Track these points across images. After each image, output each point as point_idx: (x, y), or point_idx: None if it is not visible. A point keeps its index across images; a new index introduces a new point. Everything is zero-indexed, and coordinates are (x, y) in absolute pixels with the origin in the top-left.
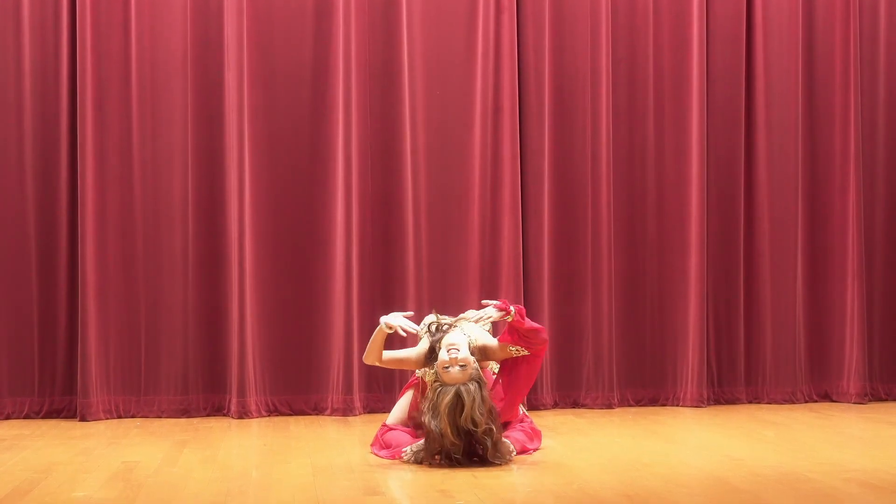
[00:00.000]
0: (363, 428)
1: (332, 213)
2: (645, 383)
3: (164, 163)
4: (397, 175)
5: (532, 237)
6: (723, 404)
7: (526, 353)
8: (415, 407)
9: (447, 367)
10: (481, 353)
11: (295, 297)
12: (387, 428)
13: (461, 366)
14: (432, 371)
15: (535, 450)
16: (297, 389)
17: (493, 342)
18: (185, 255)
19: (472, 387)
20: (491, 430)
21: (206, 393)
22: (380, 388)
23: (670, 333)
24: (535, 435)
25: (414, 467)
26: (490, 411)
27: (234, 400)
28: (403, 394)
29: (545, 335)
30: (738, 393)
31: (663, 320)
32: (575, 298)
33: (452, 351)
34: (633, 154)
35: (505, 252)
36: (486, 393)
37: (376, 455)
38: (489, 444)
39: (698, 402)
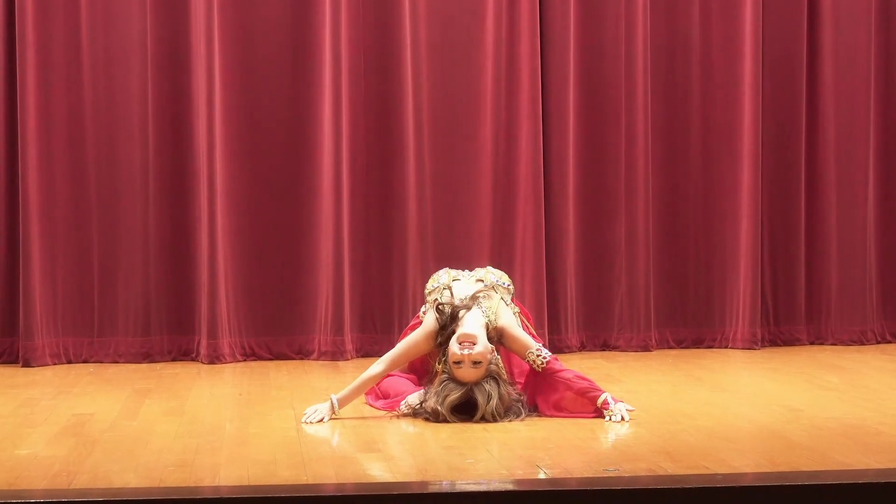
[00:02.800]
0: (356, 374)
1: (319, 119)
2: (687, 321)
3: (118, 58)
4: (395, 75)
5: (555, 146)
6: (779, 345)
7: (544, 364)
8: (417, 352)
9: (458, 363)
10: (499, 336)
11: (275, 221)
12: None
13: (475, 363)
14: (444, 358)
15: None
16: (277, 329)
17: (517, 333)
18: (145, 169)
19: (489, 386)
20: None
21: (170, 334)
22: (375, 328)
23: (718, 261)
24: None
25: (415, 420)
26: (515, 404)
27: (203, 342)
28: (405, 335)
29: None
30: (798, 332)
31: (710, 246)
32: (605, 220)
33: (466, 345)
34: (675, 45)
35: (522, 164)
36: (506, 389)
37: (371, 406)
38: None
39: (750, 344)
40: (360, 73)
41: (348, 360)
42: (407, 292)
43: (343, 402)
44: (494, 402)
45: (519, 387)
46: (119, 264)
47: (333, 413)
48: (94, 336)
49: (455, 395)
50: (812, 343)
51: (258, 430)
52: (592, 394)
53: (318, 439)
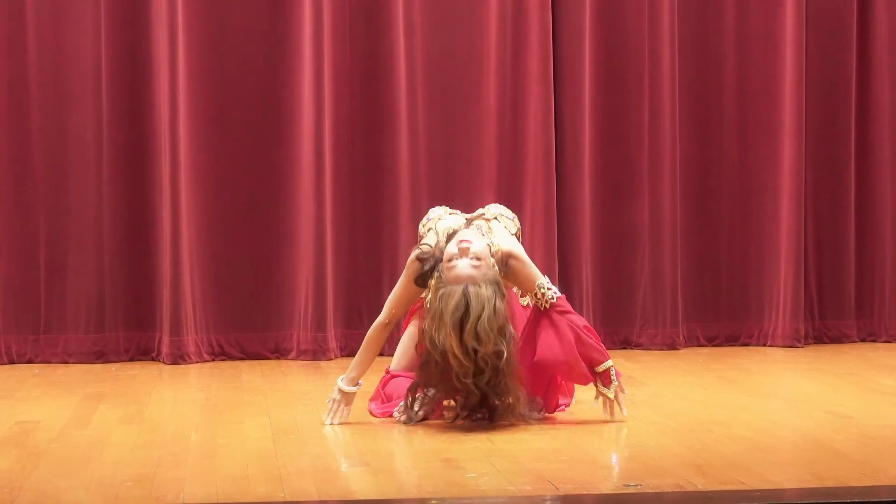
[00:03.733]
0: (340, 375)
1: (298, 82)
2: (720, 315)
3: (67, 14)
4: (385, 30)
5: (568, 115)
6: (826, 343)
7: (553, 300)
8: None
9: (453, 262)
10: (505, 262)
11: (248, 200)
12: (390, 375)
13: (474, 260)
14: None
15: (566, 406)
16: (250, 325)
17: (525, 259)
18: (98, 141)
19: (486, 290)
20: (500, 353)
21: (128, 330)
22: (362, 323)
23: (755, 248)
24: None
25: (410, 428)
26: (503, 330)
27: (165, 339)
28: (406, 327)
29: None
30: (847, 328)
31: (746, 230)
32: (626, 200)
33: (464, 243)
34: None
35: (531, 135)
36: (501, 304)
37: (373, 414)
38: (498, 380)
39: (793, 341)
40: (344, 28)
41: (331, 359)
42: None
43: (355, 378)
44: (489, 311)
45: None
46: (68, 251)
47: (353, 397)
48: (40, 333)
49: (453, 299)
50: (863, 340)
51: (228, 440)
52: (595, 354)
53: (297, 450)
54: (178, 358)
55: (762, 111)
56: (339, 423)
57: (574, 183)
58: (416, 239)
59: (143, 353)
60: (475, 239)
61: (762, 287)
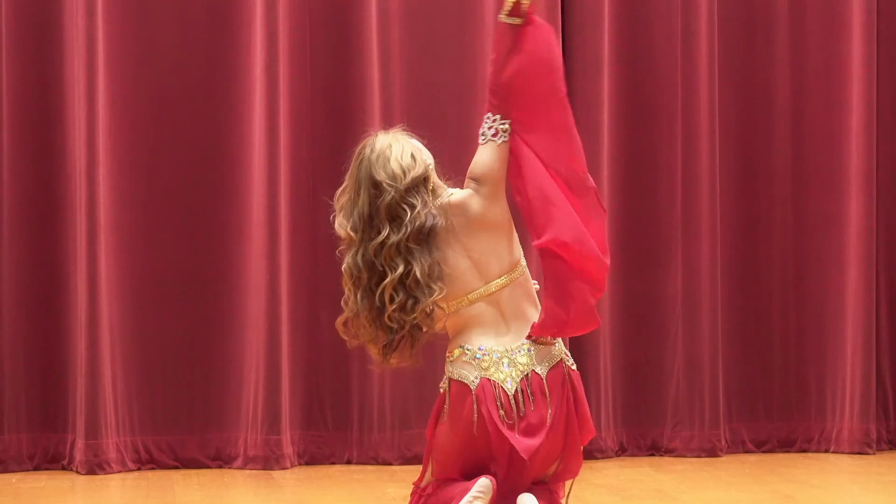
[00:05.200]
0: (298, 489)
1: (246, 118)
2: (772, 415)
3: None
4: (355, 58)
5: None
6: None
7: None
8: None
9: None
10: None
11: (183, 267)
12: (435, 485)
13: None
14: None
15: None
16: (186, 425)
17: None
18: None
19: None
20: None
21: (33, 431)
22: (325, 424)
23: (815, 329)
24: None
25: None
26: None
27: (79, 443)
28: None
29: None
30: None
31: (803, 306)
32: (654, 267)
33: None
34: (754, 16)
35: None
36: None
37: None
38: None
39: (862, 446)
40: (304, 53)
41: (287, 468)
42: (372, 366)
43: None
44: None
45: None
46: None
47: None
48: None
49: None
50: None
51: None
52: None
53: None
54: (96, 466)
55: (823, 157)
56: None
57: None
58: None
59: (52, 460)
60: None
61: (824, 378)
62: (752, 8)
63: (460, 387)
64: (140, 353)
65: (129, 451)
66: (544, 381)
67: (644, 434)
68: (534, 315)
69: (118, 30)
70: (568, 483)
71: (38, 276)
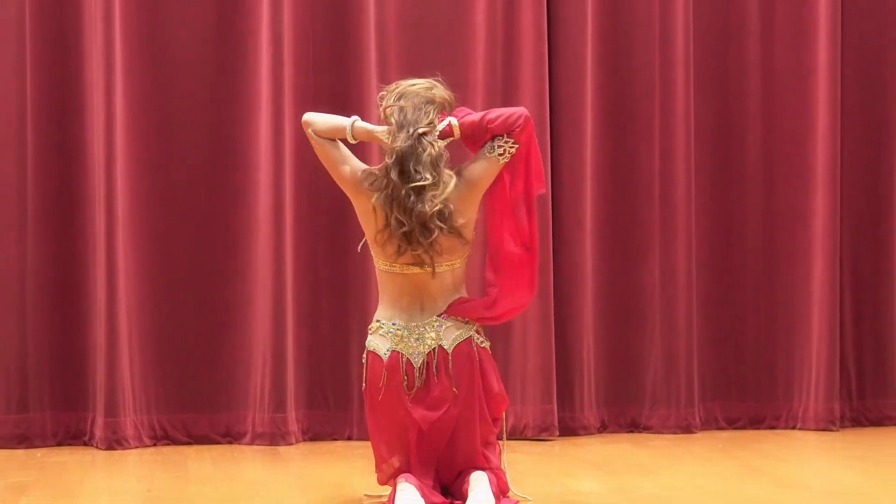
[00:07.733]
0: (302, 463)
1: (254, 118)
2: (744, 394)
3: None
4: (356, 60)
5: (566, 163)
6: (865, 426)
7: (514, 146)
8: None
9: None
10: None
11: (196, 257)
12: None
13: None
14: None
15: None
16: (198, 405)
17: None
18: (22, 189)
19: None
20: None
21: (55, 410)
22: (327, 403)
23: (784, 316)
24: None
25: None
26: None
27: (99, 421)
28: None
29: (515, 115)
30: (890, 409)
31: (773, 295)
32: (633, 260)
33: None
34: (727, 26)
35: None
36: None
37: None
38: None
39: (827, 424)
40: (308, 55)
41: (292, 444)
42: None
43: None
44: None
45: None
46: None
47: None
48: None
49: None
50: None
51: None
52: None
53: None
54: (115, 442)
55: (791, 157)
56: None
57: (573, 241)
58: None
59: (74, 436)
60: None
61: (791, 361)
62: (725, 18)
63: (374, 357)
64: (155, 338)
65: (146, 429)
66: (450, 356)
67: (624, 413)
68: (454, 294)
69: (134, 36)
70: (504, 458)
71: (60, 266)
